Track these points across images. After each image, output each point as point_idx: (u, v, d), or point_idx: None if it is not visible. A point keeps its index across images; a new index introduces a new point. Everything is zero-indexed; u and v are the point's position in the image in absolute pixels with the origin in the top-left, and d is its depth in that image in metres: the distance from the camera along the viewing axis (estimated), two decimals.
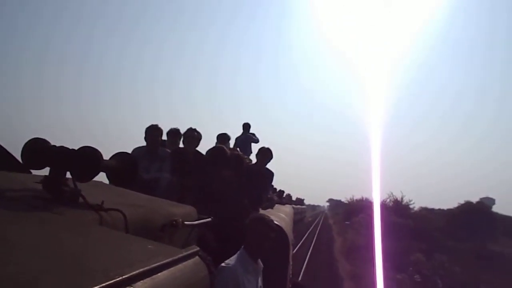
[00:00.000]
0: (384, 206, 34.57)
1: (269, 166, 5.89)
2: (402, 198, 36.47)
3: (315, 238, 31.76)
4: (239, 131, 8.91)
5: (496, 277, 20.00)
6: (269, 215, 3.26)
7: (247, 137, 8.73)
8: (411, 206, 37.14)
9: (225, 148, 4.89)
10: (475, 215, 33.32)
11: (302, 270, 16.08)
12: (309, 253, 21.98)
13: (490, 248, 27.96)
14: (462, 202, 37.01)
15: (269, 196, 7.75)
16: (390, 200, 36.80)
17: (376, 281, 14.97)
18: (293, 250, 9.60)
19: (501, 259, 25.06)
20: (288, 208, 11.02)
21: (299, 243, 23.41)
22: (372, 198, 35.38)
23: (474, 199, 40.37)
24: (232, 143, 7.66)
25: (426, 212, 39.07)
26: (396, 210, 33.70)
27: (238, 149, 7.59)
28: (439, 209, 42.05)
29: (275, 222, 3.26)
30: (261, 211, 4.98)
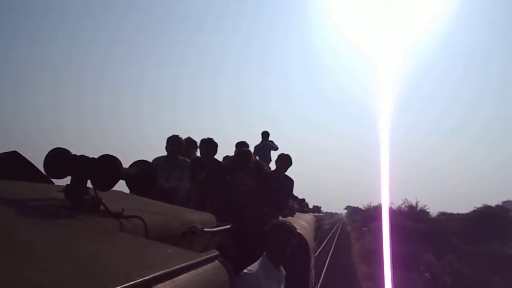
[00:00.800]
0: (400, 211, 36.29)
1: (287, 173, 5.85)
2: (416, 204, 37.49)
3: (334, 244, 32.70)
4: (258, 139, 8.92)
5: (508, 279, 20.35)
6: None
7: (266, 145, 8.72)
8: (427, 211, 37.84)
9: (251, 152, 4.93)
10: (492, 219, 33.07)
11: (323, 273, 16.79)
12: (328, 257, 23.06)
13: (505, 251, 27.84)
14: (481, 206, 36.81)
15: (289, 204, 7.69)
16: (405, 206, 37.85)
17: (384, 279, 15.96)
18: (314, 257, 9.49)
19: None
20: (309, 216, 10.90)
21: (318, 249, 23.86)
22: (388, 204, 36.59)
23: (496, 202, 40.26)
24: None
25: (445, 217, 39.46)
26: (411, 215, 34.69)
27: (257, 157, 7.58)
28: (458, 214, 41.22)
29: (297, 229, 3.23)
30: (281, 219, 4.94)
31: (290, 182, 5.71)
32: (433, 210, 40.18)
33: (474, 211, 36.61)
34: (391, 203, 38.35)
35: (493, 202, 40.12)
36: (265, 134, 8.99)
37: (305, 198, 16.05)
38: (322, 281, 14.32)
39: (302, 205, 14.07)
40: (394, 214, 34.34)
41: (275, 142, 9.00)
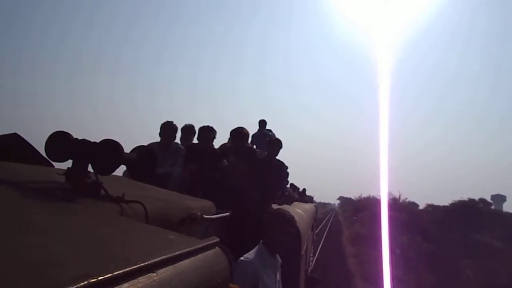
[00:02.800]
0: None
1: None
2: (399, 197, 42.65)
3: (326, 231, 36.99)
4: (255, 128, 8.91)
5: (475, 261, 24.36)
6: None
7: (263, 133, 8.72)
8: (417, 203, 44.69)
9: (248, 132, 4.98)
10: (471, 211, 37.65)
11: (317, 253, 19.85)
12: (322, 241, 27.02)
13: (477, 239, 31.66)
14: (460, 199, 41.74)
15: (286, 193, 7.71)
16: (390, 198, 42.27)
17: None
18: (312, 246, 9.56)
19: (481, 247, 29.21)
20: (308, 206, 10.91)
21: (316, 237, 26.20)
22: (377, 195, 43.04)
23: (487, 195, 46.50)
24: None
25: (432, 209, 44.62)
26: (394, 206, 38.65)
27: (254, 146, 7.59)
28: (444, 206, 44.78)
29: None
30: (277, 206, 4.96)
31: (282, 165, 5.67)
32: (422, 202, 47.27)
33: (452, 203, 41.42)
34: (378, 195, 43.68)
35: (484, 195, 46.35)
36: (262, 123, 8.99)
37: (305, 188, 16.31)
38: (316, 258, 16.70)
39: (302, 195, 14.15)
40: (379, 205, 38.33)
41: (273, 131, 9.01)
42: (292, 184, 11.54)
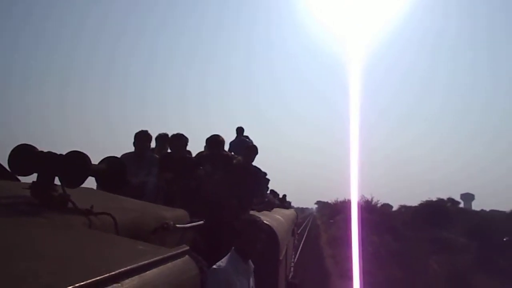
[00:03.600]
0: (359, 205, 42.18)
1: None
2: (372, 199, 44.90)
3: (305, 234, 38.91)
4: (232, 135, 8.92)
5: (442, 256, 27.09)
6: (262, 216, 3.29)
7: (241, 140, 8.73)
8: (391, 204, 48.15)
9: (224, 139, 5.02)
10: (439, 210, 40.24)
11: (297, 255, 20.69)
12: (301, 244, 28.50)
13: (443, 235, 33.97)
14: (427, 199, 44.28)
15: (266, 199, 7.72)
16: (363, 201, 44.01)
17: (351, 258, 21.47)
18: (292, 251, 9.58)
19: (446, 243, 31.70)
20: (289, 212, 10.98)
21: (297, 242, 27.32)
22: (356, 198, 43.10)
23: (456, 194, 49.73)
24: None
25: (405, 209, 47.29)
26: (367, 208, 40.79)
27: (232, 153, 7.59)
28: (415, 206, 46.81)
29: (266, 222, 3.29)
30: (256, 213, 4.96)
31: (259, 172, 5.67)
32: (397, 203, 50.51)
33: (420, 204, 43.75)
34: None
35: (454, 194, 49.46)
36: (240, 130, 9.01)
37: (286, 194, 16.42)
38: (296, 260, 17.66)
39: (283, 201, 14.23)
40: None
41: (250, 138, 9.04)
42: (272, 190, 11.58)
